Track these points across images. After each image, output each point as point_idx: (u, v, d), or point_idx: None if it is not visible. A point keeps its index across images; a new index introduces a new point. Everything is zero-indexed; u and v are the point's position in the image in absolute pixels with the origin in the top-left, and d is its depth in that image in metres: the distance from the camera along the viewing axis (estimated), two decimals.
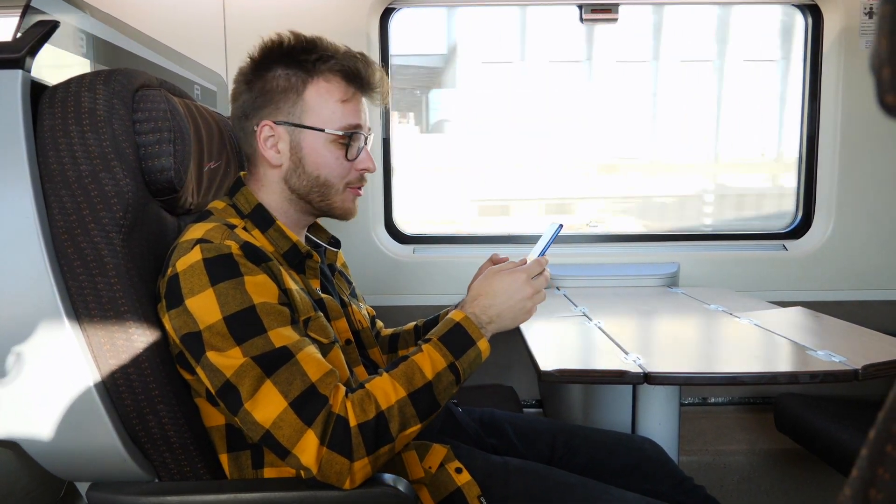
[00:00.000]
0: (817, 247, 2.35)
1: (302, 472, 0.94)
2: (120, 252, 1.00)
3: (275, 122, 1.13)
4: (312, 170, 1.14)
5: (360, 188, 1.20)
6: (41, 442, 1.01)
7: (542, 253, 1.16)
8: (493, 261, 1.24)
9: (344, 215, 1.20)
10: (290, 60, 1.12)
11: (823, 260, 2.34)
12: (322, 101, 1.12)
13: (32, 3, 1.10)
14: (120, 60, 1.50)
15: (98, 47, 1.43)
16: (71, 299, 0.99)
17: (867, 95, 2.27)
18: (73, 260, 0.99)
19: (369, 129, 1.19)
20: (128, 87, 1.06)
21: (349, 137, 1.13)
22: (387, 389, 0.98)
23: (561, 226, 1.17)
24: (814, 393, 2.17)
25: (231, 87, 1.19)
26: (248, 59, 1.16)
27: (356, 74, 1.14)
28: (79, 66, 1.37)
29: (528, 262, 1.14)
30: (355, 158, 1.16)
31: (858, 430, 1.77)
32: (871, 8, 2.24)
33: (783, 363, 1.30)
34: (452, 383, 1.03)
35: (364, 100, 1.18)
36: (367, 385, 0.99)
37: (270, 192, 1.17)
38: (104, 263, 0.99)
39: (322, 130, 1.12)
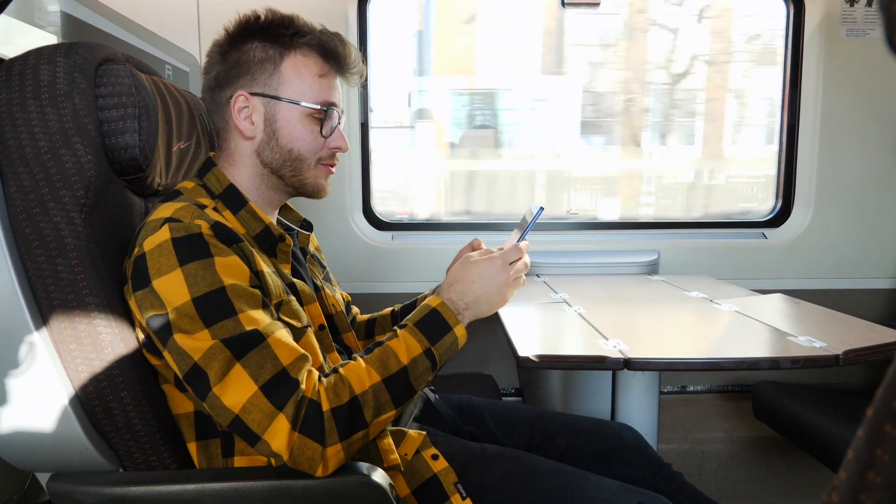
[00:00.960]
0: (796, 235, 2.36)
1: (272, 460, 0.91)
2: (81, 232, 0.96)
3: (250, 93, 1.11)
4: (286, 143, 1.11)
5: (332, 166, 1.18)
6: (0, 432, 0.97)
7: (523, 237, 1.14)
8: (473, 246, 1.22)
9: (315, 192, 1.17)
10: (266, 34, 1.11)
11: (802, 248, 2.35)
12: (299, 75, 1.10)
13: None
14: (88, 37, 1.44)
15: (66, 23, 1.38)
16: (30, 282, 0.95)
17: (848, 84, 2.27)
18: (32, 240, 0.94)
19: (342, 110, 1.17)
20: (90, 60, 1.01)
21: (324, 113, 1.12)
22: (361, 374, 0.95)
23: (542, 209, 1.14)
24: (791, 381, 2.18)
25: (206, 56, 1.16)
26: (224, 32, 1.13)
27: (333, 52, 1.12)
28: (43, 41, 1.31)
29: (507, 246, 1.12)
30: (329, 135, 1.14)
31: (835, 418, 1.78)
32: None
33: (764, 349, 1.29)
34: (428, 369, 1.00)
35: (339, 81, 1.17)
36: (340, 370, 0.96)
37: (242, 167, 1.14)
38: (64, 244, 0.95)
39: (298, 103, 1.10)
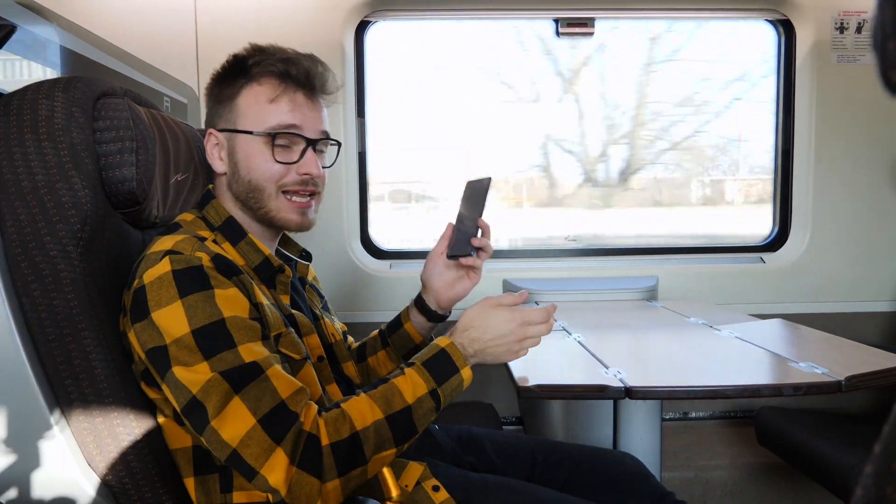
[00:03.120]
0: (794, 259, 2.36)
1: (270, 496, 0.89)
2: (77, 266, 0.95)
3: (218, 130, 1.13)
4: (245, 174, 1.11)
5: (304, 196, 1.13)
6: None
7: (481, 213, 1.13)
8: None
9: (286, 225, 1.13)
10: (239, 70, 1.11)
11: (800, 272, 2.35)
12: (250, 104, 1.10)
13: None
14: (87, 71, 1.46)
15: (65, 57, 1.39)
16: (24, 316, 0.94)
17: (841, 109, 2.29)
18: (28, 275, 0.94)
19: (322, 133, 1.14)
20: (88, 94, 1.02)
21: (273, 137, 1.09)
22: (363, 410, 0.95)
23: (489, 178, 1.13)
24: (794, 406, 2.17)
25: (202, 97, 1.18)
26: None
27: (287, 73, 1.10)
28: (42, 76, 1.32)
29: (522, 297, 1.11)
30: (292, 161, 1.10)
31: (840, 443, 1.76)
32: (841, 23, 2.27)
33: (766, 376, 1.28)
34: (432, 410, 1.00)
35: (322, 107, 1.15)
36: (343, 405, 0.95)
37: (225, 202, 1.15)
38: (60, 279, 0.94)
39: (250, 133, 1.10)
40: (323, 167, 1.16)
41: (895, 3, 0.26)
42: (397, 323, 1.37)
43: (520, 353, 1.08)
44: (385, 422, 0.95)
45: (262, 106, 1.09)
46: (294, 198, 1.12)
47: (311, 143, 1.12)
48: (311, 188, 1.13)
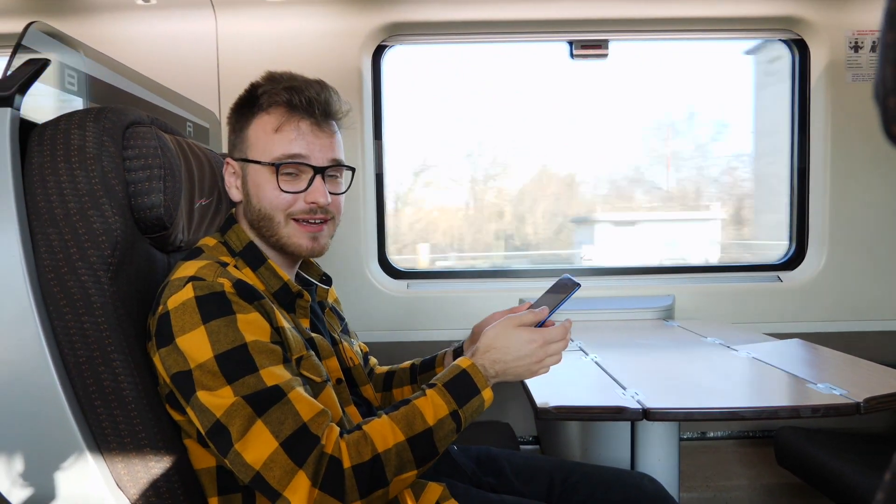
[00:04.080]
0: (811, 278, 2.35)
1: None
2: (108, 291, 0.98)
3: (234, 159, 1.16)
4: (256, 202, 1.13)
5: (315, 223, 1.13)
6: (22, 490, 0.97)
7: (554, 311, 1.12)
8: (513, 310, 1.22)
9: (297, 250, 1.14)
10: (251, 99, 1.14)
11: (818, 291, 2.34)
12: (257, 134, 1.13)
13: (24, 42, 1.10)
14: (112, 98, 1.50)
15: (91, 85, 1.44)
16: (56, 340, 0.97)
17: (855, 127, 2.29)
18: (60, 300, 0.97)
19: (332, 160, 1.14)
20: (118, 124, 1.05)
21: (277, 168, 1.10)
22: (385, 432, 0.96)
23: (579, 286, 1.13)
24: (813, 426, 2.15)
25: (224, 124, 1.21)
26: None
27: (291, 102, 1.11)
28: (71, 105, 1.36)
29: (542, 314, 1.10)
30: (300, 190, 1.11)
31: (861, 465, 1.74)
32: (856, 42, 2.27)
33: (783, 397, 1.28)
34: (453, 431, 1.01)
35: (334, 133, 1.16)
36: (364, 427, 0.96)
37: (246, 228, 1.17)
38: (91, 303, 0.97)
39: (258, 163, 1.12)
40: (336, 193, 1.16)
41: (895, 62, 0.28)
42: (431, 363, 1.38)
43: (540, 371, 1.09)
44: (406, 444, 0.96)
45: (268, 136, 1.11)
46: (304, 223, 1.13)
47: (319, 171, 1.12)
48: (320, 216, 1.13)
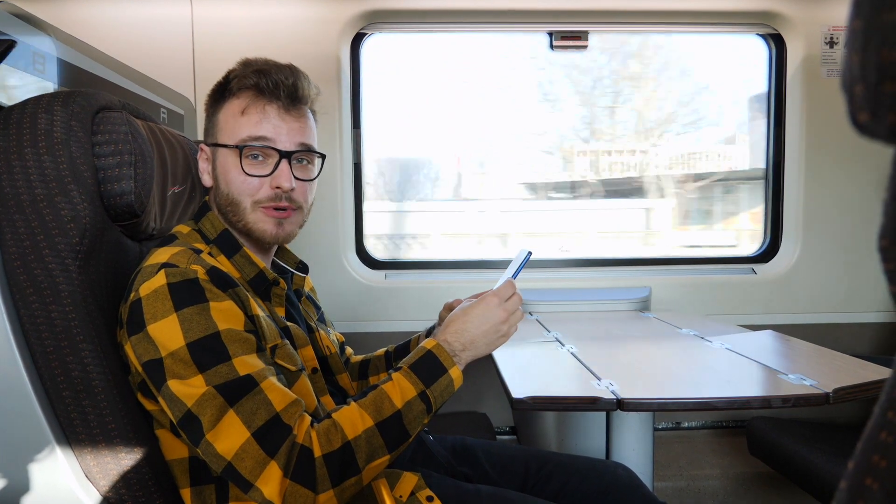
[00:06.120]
0: (785, 270, 2.38)
1: None
2: (76, 279, 0.96)
3: (206, 144, 1.16)
4: (224, 186, 1.12)
5: (279, 210, 1.11)
6: None
7: (513, 278, 1.15)
8: (452, 306, 1.25)
9: (263, 237, 1.12)
10: (224, 84, 1.14)
11: (791, 283, 2.37)
12: (226, 118, 1.12)
13: None
14: (84, 83, 1.47)
15: (62, 69, 1.40)
16: (23, 329, 0.95)
17: (831, 122, 2.32)
18: (26, 288, 0.94)
19: (301, 144, 1.12)
20: (87, 108, 1.03)
21: (241, 150, 1.09)
22: (354, 419, 0.95)
23: (530, 252, 1.16)
24: (785, 416, 2.18)
25: (199, 110, 1.19)
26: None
27: (258, 86, 1.10)
28: (40, 89, 1.33)
29: (506, 291, 1.12)
30: (265, 174, 1.09)
31: (829, 454, 1.77)
32: (831, 38, 2.30)
33: (755, 387, 1.29)
34: (423, 413, 1.00)
35: (305, 118, 1.14)
36: (333, 415, 0.96)
37: (219, 215, 1.16)
38: (59, 291, 0.95)
39: (225, 146, 1.11)
40: (305, 180, 1.14)
41: (862, 51, 0.28)
42: (405, 349, 1.38)
43: (508, 333, 1.10)
44: (376, 429, 0.95)
45: (235, 119, 1.11)
46: (271, 209, 1.11)
47: (286, 155, 1.10)
48: (284, 203, 1.11)
